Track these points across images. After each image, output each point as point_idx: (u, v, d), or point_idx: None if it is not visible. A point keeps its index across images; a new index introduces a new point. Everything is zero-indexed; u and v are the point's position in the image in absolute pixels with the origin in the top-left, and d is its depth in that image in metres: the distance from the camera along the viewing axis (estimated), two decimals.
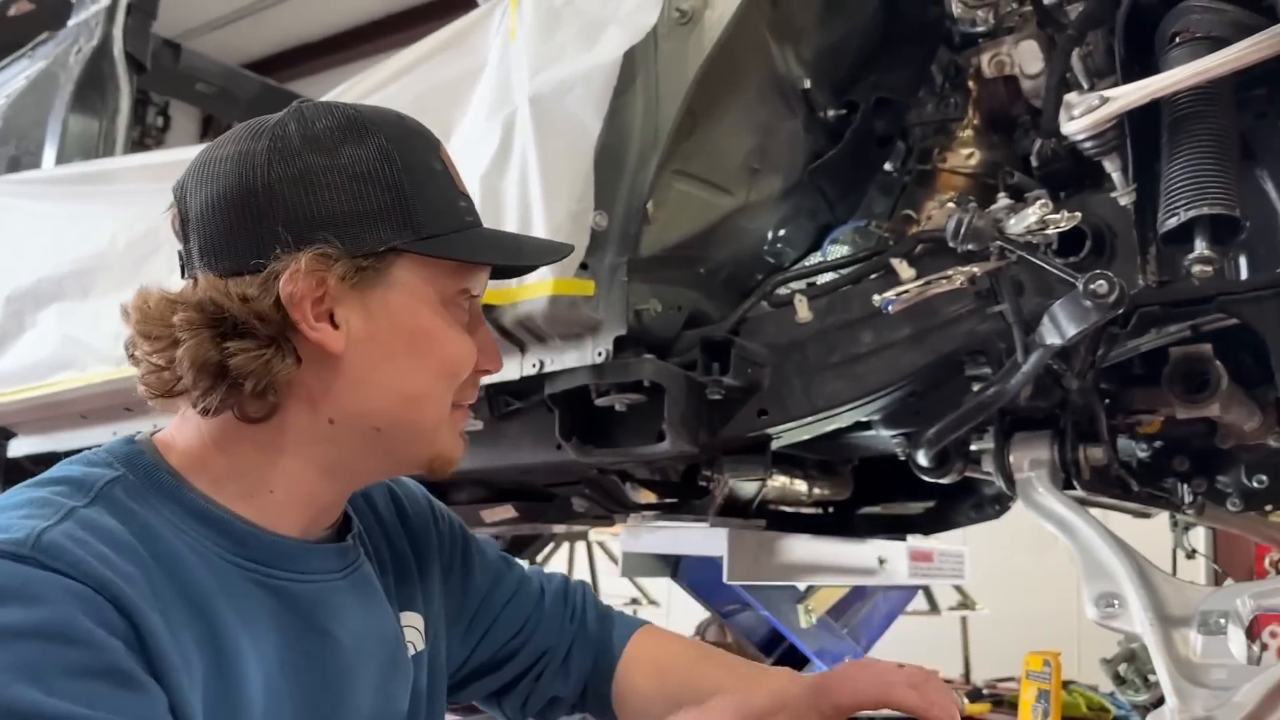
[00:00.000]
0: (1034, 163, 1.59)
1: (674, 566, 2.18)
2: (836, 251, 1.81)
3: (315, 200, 0.81)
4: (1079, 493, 1.64)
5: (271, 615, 0.81)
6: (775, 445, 1.82)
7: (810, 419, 1.70)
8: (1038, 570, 6.26)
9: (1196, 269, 1.32)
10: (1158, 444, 2.04)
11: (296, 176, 0.81)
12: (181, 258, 0.86)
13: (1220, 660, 1.27)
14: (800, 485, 2.33)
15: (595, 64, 1.50)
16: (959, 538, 2.62)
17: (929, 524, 2.48)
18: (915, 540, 2.42)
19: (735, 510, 1.97)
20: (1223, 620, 1.30)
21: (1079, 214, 1.35)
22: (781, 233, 1.81)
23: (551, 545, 3.77)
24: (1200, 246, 1.32)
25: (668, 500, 2.06)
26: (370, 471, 0.92)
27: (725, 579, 1.80)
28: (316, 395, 0.84)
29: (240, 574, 0.81)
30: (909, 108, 1.75)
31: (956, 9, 1.67)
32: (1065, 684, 2.61)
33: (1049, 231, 1.35)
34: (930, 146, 1.78)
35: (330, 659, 0.85)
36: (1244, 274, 1.43)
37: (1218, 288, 1.45)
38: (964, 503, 2.36)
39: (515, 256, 0.96)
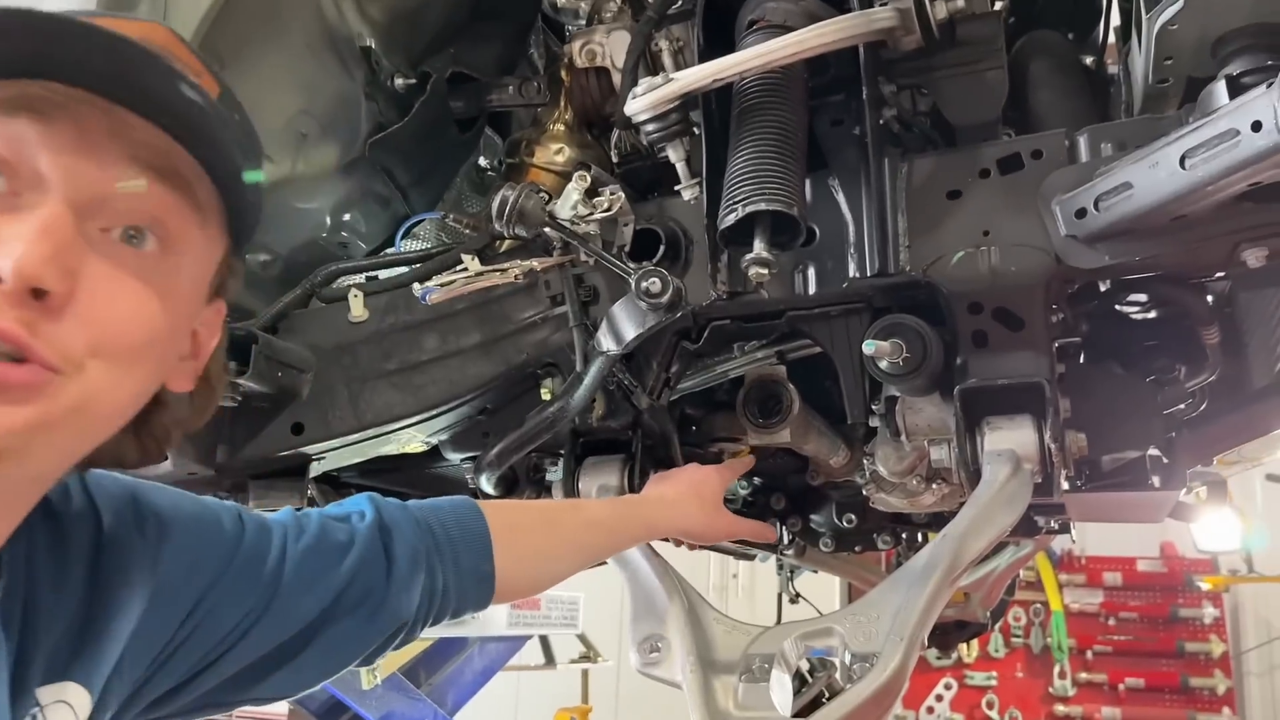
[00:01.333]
0: (613, 158, 1.44)
1: None
2: (413, 247, 1.58)
3: None
4: None
5: None
6: (324, 468, 1.54)
7: (357, 436, 1.44)
8: None
9: (753, 272, 1.19)
10: (756, 481, 1.97)
11: None
12: None
13: (759, 712, 1.12)
14: None
15: None
16: (581, 582, 2.45)
17: None
18: None
19: None
20: (767, 665, 1.15)
21: (621, 195, 1.19)
22: (345, 218, 1.55)
23: None
24: (759, 247, 1.19)
25: None
26: None
27: None
28: None
29: None
30: (491, 88, 1.55)
31: None
32: None
33: (598, 216, 1.18)
34: (520, 140, 1.59)
35: None
36: (813, 288, 1.34)
37: (787, 302, 1.35)
38: None
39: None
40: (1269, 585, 5.73)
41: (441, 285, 1.22)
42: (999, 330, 1.26)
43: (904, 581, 1.18)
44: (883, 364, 1.26)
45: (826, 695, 1.12)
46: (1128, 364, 1.54)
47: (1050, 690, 6.06)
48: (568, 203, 1.16)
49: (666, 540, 1.56)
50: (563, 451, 1.48)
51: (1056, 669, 6.03)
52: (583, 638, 2.71)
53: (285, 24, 1.35)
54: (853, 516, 1.88)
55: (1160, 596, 6.07)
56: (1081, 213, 1.19)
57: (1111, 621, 6.11)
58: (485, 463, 1.41)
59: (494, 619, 2.04)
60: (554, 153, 1.56)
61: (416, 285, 1.25)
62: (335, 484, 1.99)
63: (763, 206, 1.17)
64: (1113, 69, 1.62)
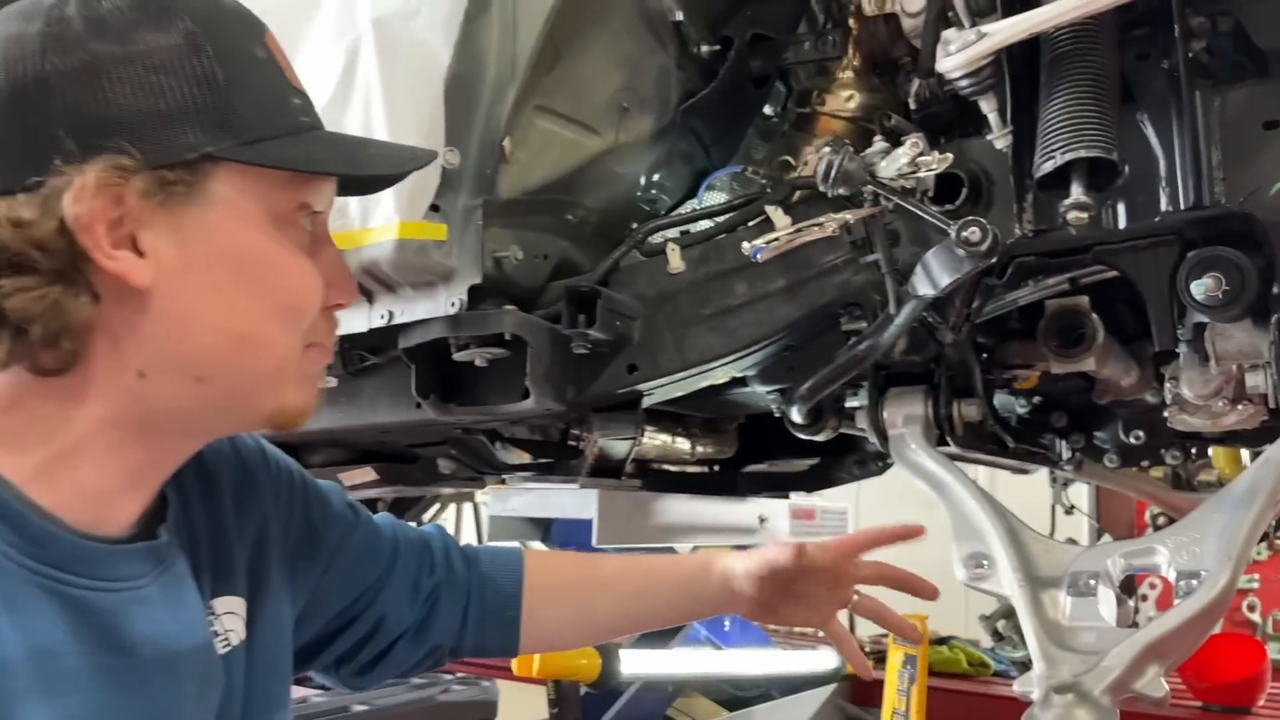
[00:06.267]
0: (912, 105, 1.51)
1: (545, 530, 2.09)
2: (712, 199, 1.72)
3: (103, 98, 0.66)
4: (953, 449, 1.59)
5: (69, 633, 0.67)
6: (649, 402, 1.73)
7: (681, 374, 1.61)
8: (929, 524, 6.35)
9: (1072, 215, 1.26)
10: (1036, 400, 2.02)
11: (79, 69, 0.66)
12: None
13: (1089, 623, 1.23)
14: (682, 444, 2.26)
15: None
16: (849, 494, 2.58)
17: (812, 481, 2.43)
18: (799, 498, 2.37)
19: (609, 470, 1.88)
20: (1093, 581, 1.26)
21: (950, 155, 1.27)
22: (655, 178, 1.71)
23: (437, 507, 3.65)
24: (1076, 191, 1.26)
25: (540, 460, 1.96)
26: (196, 432, 0.78)
27: (595, 542, 1.72)
28: (122, 340, 0.69)
29: (30, 580, 0.66)
30: (786, 45, 1.65)
31: None
32: (945, 639, 2.61)
33: (922, 174, 1.27)
34: (809, 89, 1.69)
35: (142, 681, 0.71)
36: (1122, 222, 1.38)
37: (1095, 237, 1.40)
38: (847, 460, 2.32)
39: (362, 164, 0.80)
40: None
41: (767, 244, 1.35)
42: None
43: (1226, 504, 1.24)
44: (1199, 298, 1.30)
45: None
46: None
47: None
48: (895, 164, 1.26)
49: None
50: (864, 383, 1.61)
51: None
52: None
53: (609, 8, 1.50)
54: (1140, 433, 1.91)
55: None
56: None
57: None
58: (798, 396, 1.56)
59: (779, 529, 2.21)
60: (844, 100, 1.65)
61: (746, 245, 1.39)
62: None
63: (1083, 154, 1.23)
64: None
